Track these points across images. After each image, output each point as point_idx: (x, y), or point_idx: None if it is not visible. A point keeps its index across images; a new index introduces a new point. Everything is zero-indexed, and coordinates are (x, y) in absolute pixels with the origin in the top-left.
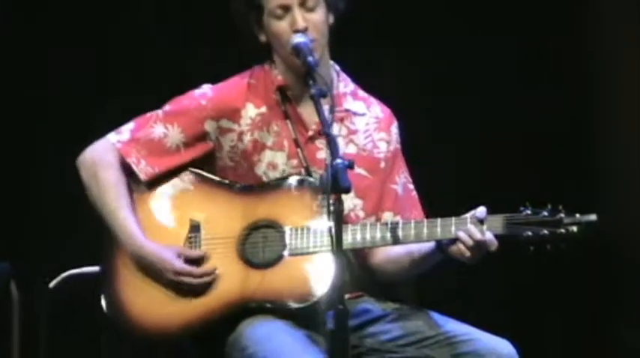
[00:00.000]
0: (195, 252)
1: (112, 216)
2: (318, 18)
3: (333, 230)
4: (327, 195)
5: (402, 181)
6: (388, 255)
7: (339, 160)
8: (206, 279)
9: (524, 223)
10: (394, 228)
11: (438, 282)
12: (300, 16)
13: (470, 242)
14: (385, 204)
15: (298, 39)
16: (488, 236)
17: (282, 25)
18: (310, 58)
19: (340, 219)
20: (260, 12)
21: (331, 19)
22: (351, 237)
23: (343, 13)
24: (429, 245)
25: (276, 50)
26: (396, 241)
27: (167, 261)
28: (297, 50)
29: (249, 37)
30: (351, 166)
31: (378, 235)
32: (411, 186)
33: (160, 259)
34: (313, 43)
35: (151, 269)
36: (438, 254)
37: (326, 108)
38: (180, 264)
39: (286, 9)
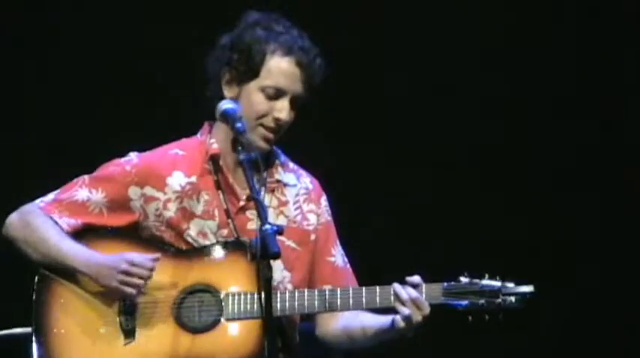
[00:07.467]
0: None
1: (57, 248)
2: (293, 117)
3: (263, 296)
4: (257, 262)
5: (339, 254)
6: (344, 327)
7: (267, 226)
8: (148, 274)
9: (462, 293)
10: (332, 295)
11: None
12: (287, 109)
13: (405, 296)
14: (323, 278)
15: (226, 105)
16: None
17: (265, 104)
18: (239, 124)
19: (269, 285)
20: (252, 76)
21: None
22: (289, 303)
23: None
24: (384, 320)
25: None
26: (332, 308)
27: (120, 257)
28: (225, 116)
29: (215, 85)
30: (280, 232)
31: (316, 303)
32: (346, 259)
33: (114, 259)
34: (276, 134)
35: (98, 289)
36: (389, 330)
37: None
38: (132, 255)
39: (279, 94)
